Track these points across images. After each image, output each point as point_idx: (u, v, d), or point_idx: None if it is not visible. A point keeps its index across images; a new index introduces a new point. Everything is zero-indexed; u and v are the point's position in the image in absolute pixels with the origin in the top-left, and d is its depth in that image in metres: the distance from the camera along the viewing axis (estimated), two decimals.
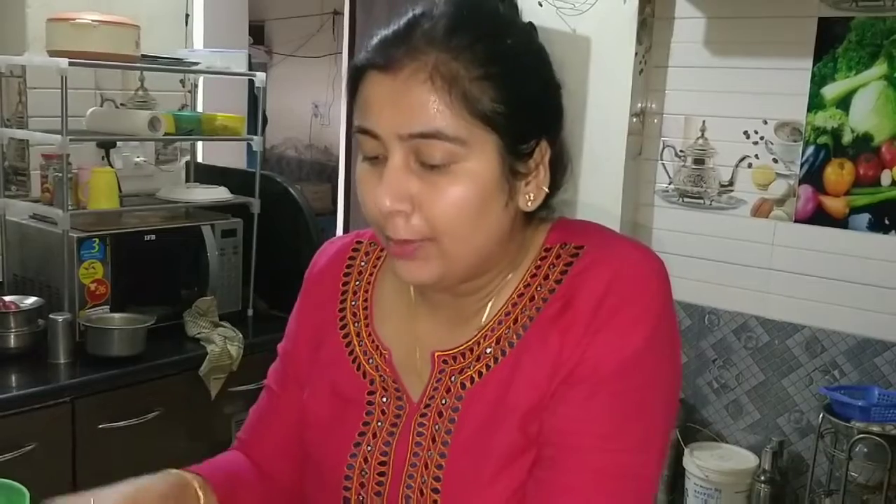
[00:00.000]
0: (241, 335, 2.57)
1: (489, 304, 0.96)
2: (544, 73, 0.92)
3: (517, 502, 0.89)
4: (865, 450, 2.50)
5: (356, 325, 1.03)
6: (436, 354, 0.96)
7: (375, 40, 0.89)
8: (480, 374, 0.93)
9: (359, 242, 1.09)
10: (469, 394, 0.93)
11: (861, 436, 2.48)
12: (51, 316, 2.32)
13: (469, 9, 0.88)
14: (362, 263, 1.07)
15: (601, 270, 0.90)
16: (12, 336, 2.32)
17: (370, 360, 1.01)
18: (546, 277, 0.94)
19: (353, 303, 1.04)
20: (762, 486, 2.80)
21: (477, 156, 0.85)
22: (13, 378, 2.24)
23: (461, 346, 0.95)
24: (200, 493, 0.98)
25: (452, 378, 0.95)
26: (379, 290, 1.04)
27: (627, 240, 0.97)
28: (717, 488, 2.83)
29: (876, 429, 2.47)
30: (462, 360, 0.95)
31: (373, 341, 1.01)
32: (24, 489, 1.25)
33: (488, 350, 0.94)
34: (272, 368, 1.13)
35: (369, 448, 0.97)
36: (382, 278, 1.05)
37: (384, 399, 0.98)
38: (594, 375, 0.88)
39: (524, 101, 0.87)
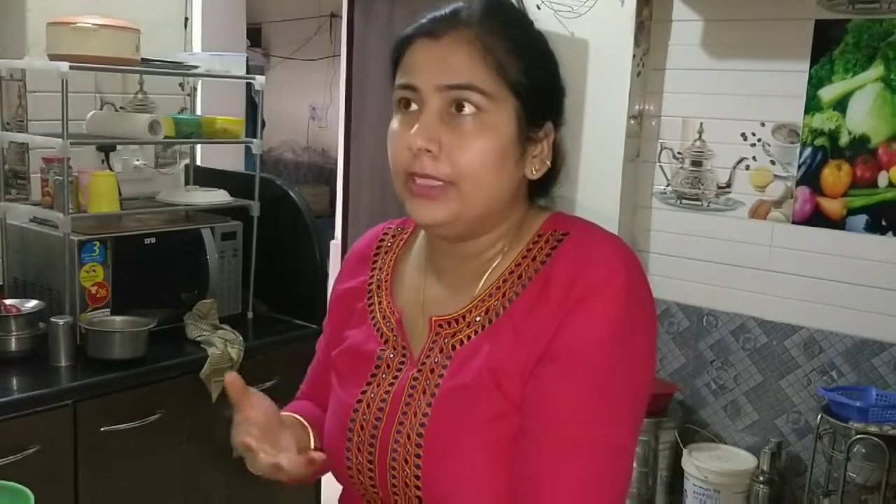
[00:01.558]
0: (241, 338, 2.58)
1: (484, 278, 1.09)
2: (555, 70, 1.09)
3: (495, 454, 1.00)
4: (863, 450, 2.51)
5: (379, 294, 1.19)
6: (433, 319, 1.10)
7: (422, 19, 1.07)
8: (469, 337, 1.07)
9: (389, 227, 1.26)
10: (457, 354, 1.06)
11: (859, 436, 2.48)
12: (52, 319, 2.33)
13: (498, 3, 1.07)
14: (389, 243, 1.24)
15: (577, 257, 1.03)
16: (13, 339, 2.33)
17: (387, 323, 1.15)
18: (534, 259, 1.07)
19: (379, 276, 1.21)
20: (761, 486, 2.80)
21: (500, 111, 1.02)
22: (14, 381, 2.25)
23: (455, 312, 1.09)
24: (308, 426, 1.19)
25: (446, 340, 1.08)
26: (401, 263, 1.21)
27: (607, 233, 1.08)
28: (715, 489, 2.83)
29: (874, 429, 2.47)
30: (455, 326, 1.08)
31: (390, 306, 1.17)
32: (29, 492, 1.26)
33: (478, 318, 1.07)
34: (320, 339, 1.32)
35: (372, 395, 1.11)
36: (405, 254, 1.21)
37: (391, 355, 1.13)
38: (568, 355, 0.99)
39: (540, 81, 1.06)
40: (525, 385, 1.00)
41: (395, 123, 1.05)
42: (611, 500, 1.00)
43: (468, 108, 1.00)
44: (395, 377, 1.10)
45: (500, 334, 1.04)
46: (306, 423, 1.20)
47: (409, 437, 1.04)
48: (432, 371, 1.07)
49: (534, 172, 1.07)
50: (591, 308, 0.98)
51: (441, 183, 1.01)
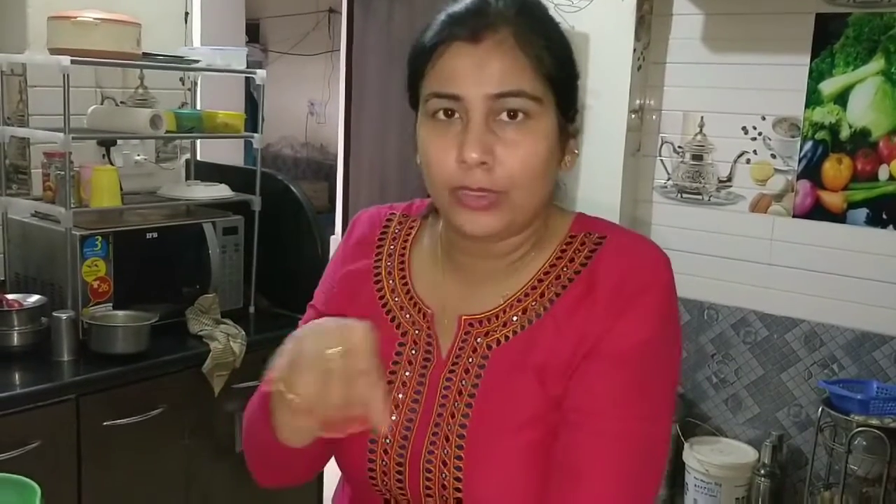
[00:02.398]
0: (243, 332, 2.58)
1: (515, 276, 1.07)
2: (574, 57, 1.06)
3: (534, 454, 0.99)
4: (864, 443, 2.52)
5: (391, 281, 1.14)
6: (463, 318, 1.07)
7: (445, 19, 1.01)
8: (507, 337, 1.04)
9: (392, 213, 1.21)
10: (494, 354, 1.04)
11: (860, 429, 2.49)
12: (54, 314, 2.32)
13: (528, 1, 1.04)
14: (396, 230, 1.18)
15: (622, 260, 1.03)
16: (16, 334, 2.32)
17: (407, 315, 1.11)
18: (572, 260, 1.06)
19: (389, 263, 1.15)
20: (762, 479, 2.81)
21: (546, 113, 0.99)
22: (17, 376, 2.25)
23: (487, 312, 1.06)
24: None
25: (478, 339, 1.06)
26: (412, 254, 1.16)
27: (640, 235, 1.10)
28: (717, 482, 2.84)
29: (875, 422, 2.48)
30: (488, 325, 1.06)
31: (411, 298, 1.12)
32: (36, 485, 1.25)
33: (515, 318, 1.05)
34: (302, 321, 1.17)
35: (401, 396, 1.07)
36: (416, 245, 1.16)
37: (413, 352, 1.09)
38: (615, 353, 0.99)
39: (571, 74, 1.04)
40: (567, 381, 1.00)
41: (430, 133, 1.01)
42: (646, 493, 1.01)
43: (519, 115, 0.97)
44: (422, 375, 1.07)
45: (542, 334, 1.02)
46: None
47: (447, 438, 1.02)
48: (467, 371, 1.04)
49: (567, 165, 1.06)
50: (640, 307, 0.99)
51: (495, 193, 0.98)
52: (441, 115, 0.99)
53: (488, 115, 0.97)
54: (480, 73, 0.97)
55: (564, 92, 1.02)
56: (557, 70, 1.00)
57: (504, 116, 0.97)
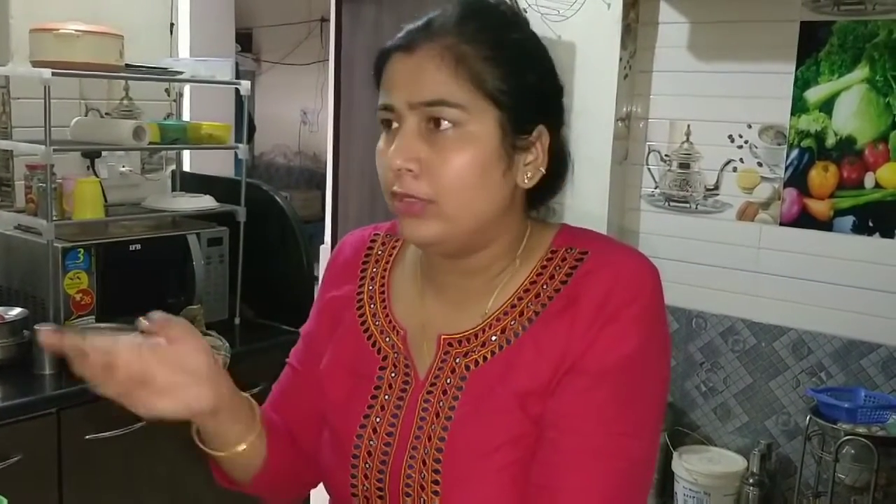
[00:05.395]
0: (227, 344, 2.57)
1: (495, 294, 1.05)
2: (546, 70, 1.05)
3: (513, 477, 0.97)
4: (852, 451, 2.50)
5: (372, 305, 1.13)
6: (442, 337, 1.06)
7: (401, 31, 1.03)
8: (485, 358, 1.03)
9: (376, 234, 1.20)
10: (473, 375, 1.02)
11: (848, 437, 2.48)
12: (36, 327, 2.31)
13: (478, 6, 1.03)
14: (379, 252, 1.18)
15: (604, 274, 1.01)
16: None
17: (386, 339, 1.10)
18: (552, 277, 1.04)
19: (371, 287, 1.15)
20: (751, 488, 2.80)
21: (480, 122, 0.98)
22: None
23: (466, 331, 1.05)
24: (256, 411, 1.10)
25: (457, 360, 1.04)
26: (394, 274, 1.15)
27: (626, 247, 1.08)
28: (706, 491, 2.83)
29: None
30: (467, 345, 1.04)
31: (389, 321, 1.11)
32: (3, 498, 1.24)
33: (493, 338, 1.03)
34: (294, 349, 1.23)
35: (378, 419, 1.06)
36: (398, 264, 1.16)
37: (393, 374, 1.08)
38: (597, 367, 0.97)
39: (525, 85, 1.00)
40: (548, 399, 0.98)
41: (380, 142, 1.02)
42: None
43: (445, 124, 0.97)
44: (401, 398, 1.06)
45: (522, 354, 1.00)
46: (256, 410, 1.11)
47: (424, 462, 1.01)
48: (444, 393, 1.03)
49: (526, 181, 1.03)
50: (622, 321, 0.97)
51: (423, 201, 0.98)
52: (386, 124, 1.02)
53: (419, 123, 0.98)
54: (408, 82, 0.98)
55: (513, 104, 0.99)
56: (500, 82, 0.98)
57: (431, 125, 0.98)
